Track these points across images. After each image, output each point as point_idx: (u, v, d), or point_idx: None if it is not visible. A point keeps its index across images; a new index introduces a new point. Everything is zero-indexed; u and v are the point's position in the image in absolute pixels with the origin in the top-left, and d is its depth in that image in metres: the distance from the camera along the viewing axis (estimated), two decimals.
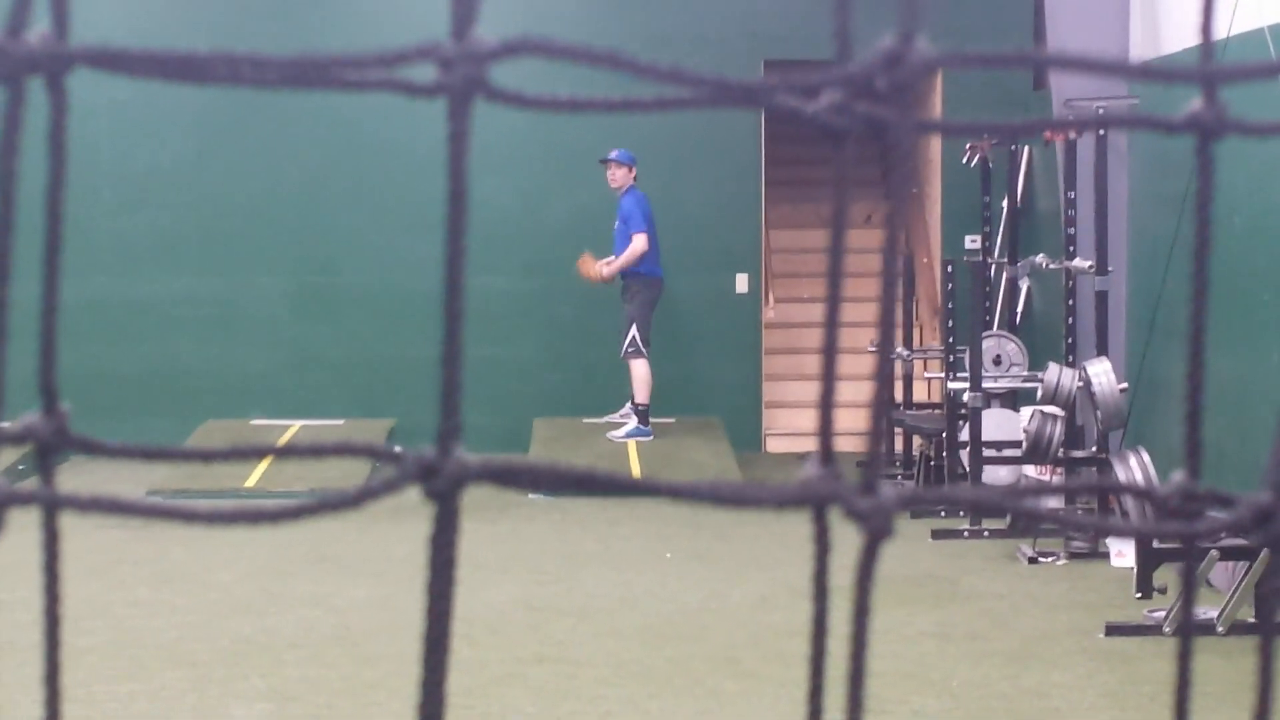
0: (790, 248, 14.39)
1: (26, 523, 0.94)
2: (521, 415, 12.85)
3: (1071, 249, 10.12)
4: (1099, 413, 9.40)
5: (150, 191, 13.15)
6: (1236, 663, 6.55)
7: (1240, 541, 7.03)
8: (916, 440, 11.45)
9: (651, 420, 12.31)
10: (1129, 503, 7.67)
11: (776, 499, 0.86)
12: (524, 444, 12.19)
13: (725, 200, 13.26)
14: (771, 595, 8.18)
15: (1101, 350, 9.78)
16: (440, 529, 0.87)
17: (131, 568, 8.85)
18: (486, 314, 12.82)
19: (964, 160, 12.17)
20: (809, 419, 12.25)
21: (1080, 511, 9.85)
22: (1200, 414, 0.96)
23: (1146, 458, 7.90)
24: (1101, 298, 9.91)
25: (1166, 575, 7.69)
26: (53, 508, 0.89)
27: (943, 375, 10.82)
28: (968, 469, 9.99)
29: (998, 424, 10.35)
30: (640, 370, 12.14)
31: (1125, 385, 9.51)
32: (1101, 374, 9.37)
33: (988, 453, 10.01)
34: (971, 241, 12.14)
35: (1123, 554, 8.77)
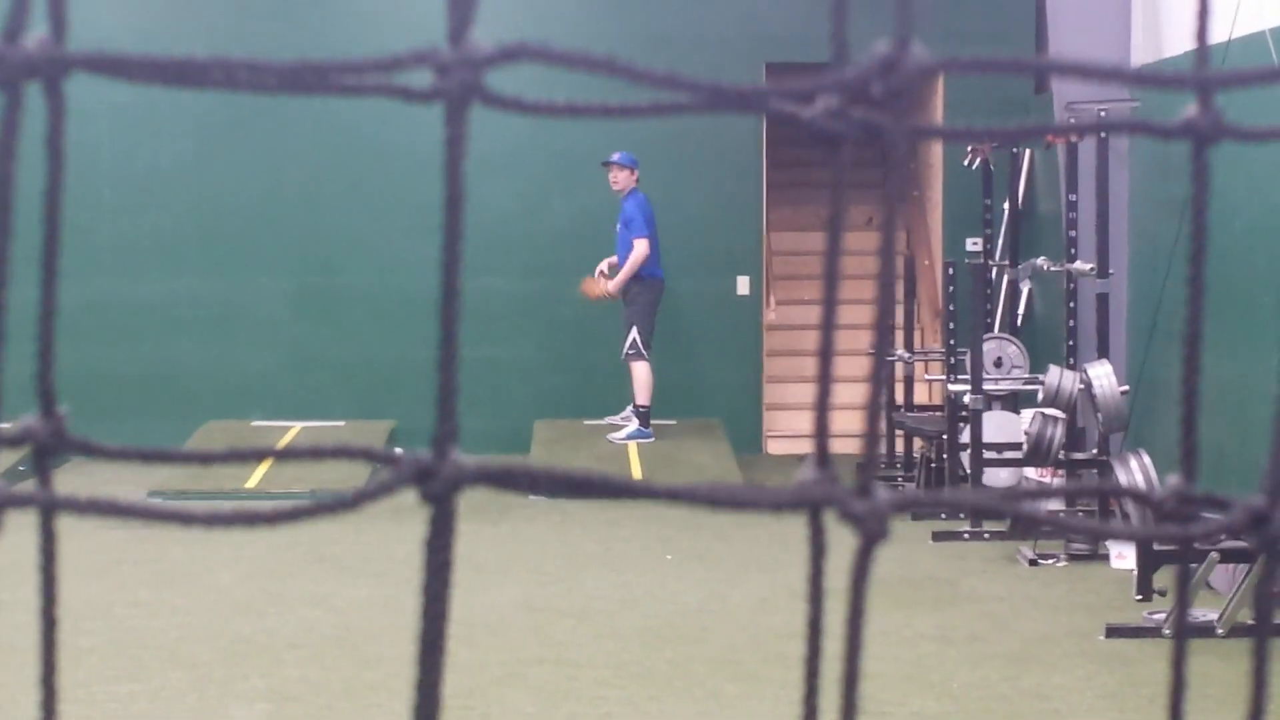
0: (791, 250, 14.40)
1: (27, 523, 0.95)
2: (522, 417, 12.85)
3: (1073, 251, 10.12)
4: (1100, 415, 9.40)
5: (151, 193, 13.16)
6: (1237, 665, 6.55)
7: (1241, 544, 7.04)
8: (917, 442, 11.46)
9: (652, 422, 12.31)
10: (1130, 505, 7.68)
11: (772, 502, 0.86)
12: (524, 446, 12.19)
13: (726, 202, 13.26)
14: (772, 597, 8.18)
15: (1102, 353, 9.79)
16: (437, 531, 0.87)
17: (132, 568, 8.85)
18: (487, 316, 12.83)
19: (965, 163, 12.17)
20: (810, 421, 12.24)
21: (1081, 514, 9.85)
22: (1196, 417, 0.96)
23: (1148, 460, 7.90)
24: (1102, 300, 9.91)
25: (1167, 577, 7.69)
26: (50, 509, 0.89)
27: (944, 377, 10.83)
28: (969, 471, 9.99)
29: (999, 426, 10.35)
30: (641, 372, 12.15)
31: (1126, 388, 9.51)
32: (1102, 376, 9.37)
33: (989, 455, 10.01)
34: (973, 244, 12.14)
35: (1123, 556, 8.77)
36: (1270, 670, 0.99)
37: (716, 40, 13.03)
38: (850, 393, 11.12)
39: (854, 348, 11.03)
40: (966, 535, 9.66)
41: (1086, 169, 10.10)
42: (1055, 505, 9.83)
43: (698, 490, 0.87)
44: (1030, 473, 10.02)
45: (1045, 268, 10.66)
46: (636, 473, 11.52)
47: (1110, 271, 9.91)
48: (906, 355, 11.67)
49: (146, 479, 11.11)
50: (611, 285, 12.15)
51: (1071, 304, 10.29)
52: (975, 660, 7.06)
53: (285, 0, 13.09)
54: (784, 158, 14.06)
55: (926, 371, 12.21)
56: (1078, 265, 10.02)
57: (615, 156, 12.19)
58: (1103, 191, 9.91)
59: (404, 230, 12.96)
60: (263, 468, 11.29)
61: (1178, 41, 9.65)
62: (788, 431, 13.40)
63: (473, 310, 12.14)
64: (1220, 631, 7.12)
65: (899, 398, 11.88)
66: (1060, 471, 9.66)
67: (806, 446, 13.02)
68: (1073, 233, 10.16)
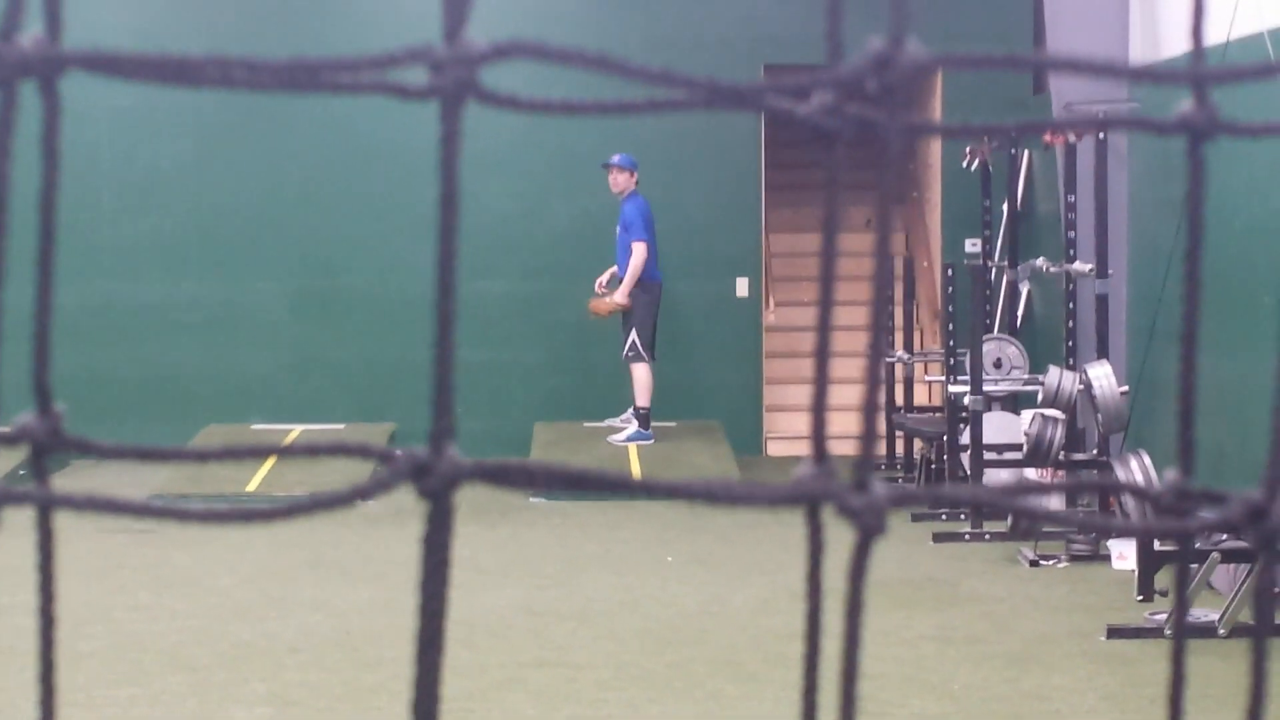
0: (790, 251, 14.40)
1: (26, 527, 0.95)
2: (522, 419, 12.85)
3: (1072, 252, 10.12)
4: (1100, 416, 9.40)
5: (150, 195, 13.16)
6: (1238, 665, 6.55)
7: (1242, 544, 7.03)
8: (917, 443, 11.46)
9: (652, 424, 12.31)
10: (1129, 505, 7.67)
11: (770, 497, 0.86)
12: (525, 448, 12.19)
13: (725, 204, 13.26)
14: (772, 598, 8.18)
15: (1102, 353, 9.79)
16: (434, 529, 0.87)
17: (132, 572, 8.85)
18: (487, 318, 12.83)
19: (964, 164, 12.18)
20: (809, 422, 12.22)
21: (1080, 514, 9.85)
22: (1193, 413, 0.96)
23: (1147, 460, 7.90)
24: (1102, 301, 9.91)
25: (1168, 578, 7.69)
26: (47, 507, 0.89)
27: (943, 378, 10.82)
28: (968, 472, 9.99)
29: (998, 427, 10.35)
30: (641, 374, 12.15)
31: (1126, 388, 9.51)
32: (1102, 377, 9.37)
33: (988, 456, 10.01)
34: (972, 245, 12.15)
35: (1124, 556, 8.77)
36: (1270, 670, 0.99)
37: (715, 41, 13.04)
38: (848, 394, 11.10)
39: (853, 349, 11.02)
40: (967, 536, 9.66)
41: (1085, 170, 10.10)
42: (1055, 505, 9.83)
43: (695, 486, 0.87)
44: (1030, 473, 10.02)
45: (1044, 268, 10.66)
46: (637, 475, 11.50)
47: (1109, 272, 9.91)
48: (906, 356, 11.67)
49: (146, 483, 11.11)
50: (618, 296, 12.12)
51: (1071, 305, 10.29)
52: (976, 661, 7.06)
53: (284, 0, 13.10)
54: (783, 159, 14.07)
55: (926, 373, 12.20)
56: (1077, 266, 10.03)
57: (615, 159, 12.18)
58: (1101, 192, 9.92)
59: (404, 232, 12.96)
60: (263, 470, 11.29)
61: (1175, 42, 9.66)
62: (788, 433, 13.40)
63: (472, 313, 12.14)
64: (1221, 632, 7.12)
65: (899, 399, 11.88)
66: (1060, 472, 9.66)
67: (806, 448, 13.00)
68: (1072, 233, 10.16)
